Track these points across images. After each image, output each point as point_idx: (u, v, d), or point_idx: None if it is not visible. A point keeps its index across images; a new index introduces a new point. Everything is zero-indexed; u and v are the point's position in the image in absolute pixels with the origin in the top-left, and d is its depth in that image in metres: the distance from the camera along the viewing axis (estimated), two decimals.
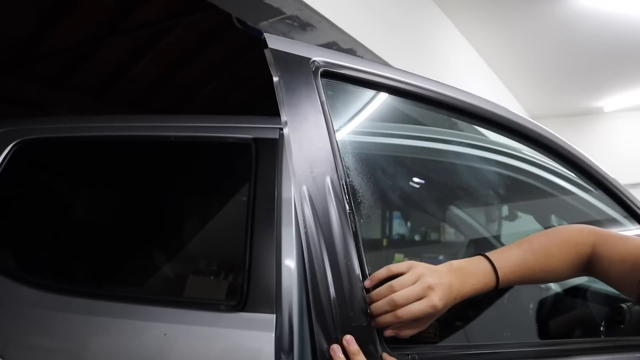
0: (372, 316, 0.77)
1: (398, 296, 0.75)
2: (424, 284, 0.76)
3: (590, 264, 0.91)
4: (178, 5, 4.16)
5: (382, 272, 0.80)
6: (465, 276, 0.81)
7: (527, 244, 0.89)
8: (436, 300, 0.75)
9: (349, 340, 0.73)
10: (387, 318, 0.75)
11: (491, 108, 1.12)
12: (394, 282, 0.77)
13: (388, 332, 0.77)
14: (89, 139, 1.37)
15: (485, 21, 4.79)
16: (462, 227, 2.42)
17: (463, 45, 5.11)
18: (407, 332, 0.78)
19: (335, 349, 0.72)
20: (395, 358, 0.76)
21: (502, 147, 1.53)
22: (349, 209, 0.79)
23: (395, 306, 0.75)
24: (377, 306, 0.76)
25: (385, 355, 0.75)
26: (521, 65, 5.90)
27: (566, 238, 0.91)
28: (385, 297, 0.76)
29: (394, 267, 0.80)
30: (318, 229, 0.74)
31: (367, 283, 0.79)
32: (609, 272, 0.89)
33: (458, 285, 0.79)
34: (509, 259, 0.85)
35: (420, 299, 0.75)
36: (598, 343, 1.15)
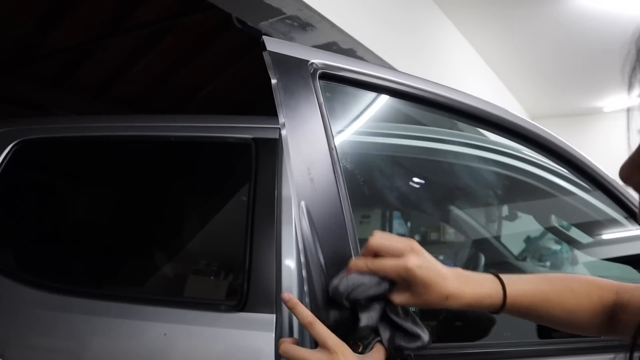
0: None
1: (374, 239, 0.70)
2: (407, 244, 0.69)
3: (614, 314, 0.78)
4: (178, 5, 4.16)
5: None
6: (467, 279, 0.72)
7: (543, 275, 0.80)
8: (412, 262, 0.67)
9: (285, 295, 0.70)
10: (358, 263, 0.70)
11: (490, 109, 1.12)
12: (377, 232, 0.71)
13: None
14: (89, 139, 1.37)
15: (485, 21, 4.79)
16: (462, 227, 2.42)
17: (463, 45, 5.11)
18: (392, 298, 0.70)
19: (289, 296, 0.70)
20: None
21: (502, 148, 1.53)
22: (347, 211, 0.79)
23: (368, 252, 0.70)
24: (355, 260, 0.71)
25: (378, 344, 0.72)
26: (521, 65, 5.90)
27: (587, 279, 0.81)
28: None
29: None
30: (313, 231, 0.74)
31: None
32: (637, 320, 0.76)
33: (456, 284, 0.70)
34: (520, 280, 0.76)
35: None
36: (598, 343, 1.15)
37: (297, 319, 0.69)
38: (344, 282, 0.69)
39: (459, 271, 0.72)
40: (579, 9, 4.40)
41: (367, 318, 0.70)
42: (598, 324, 0.79)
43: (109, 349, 1.04)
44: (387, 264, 0.68)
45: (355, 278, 0.69)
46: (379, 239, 0.70)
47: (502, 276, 0.75)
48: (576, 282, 0.80)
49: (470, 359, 1.02)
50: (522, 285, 0.75)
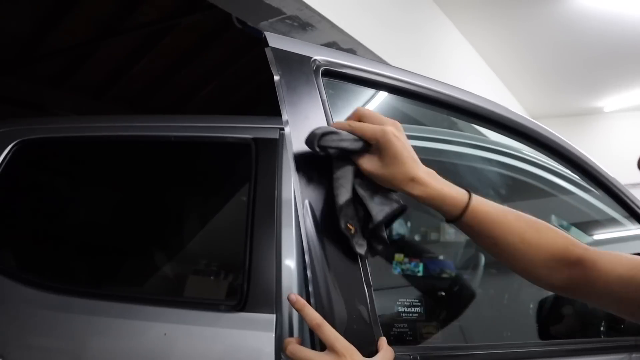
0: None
1: (361, 108, 0.75)
2: (391, 120, 0.73)
3: (581, 271, 0.75)
4: (178, 5, 4.16)
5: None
6: (437, 177, 0.73)
7: (515, 210, 0.79)
8: (391, 130, 0.70)
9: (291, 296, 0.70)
10: (341, 122, 0.74)
11: (491, 107, 1.12)
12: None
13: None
14: (89, 139, 1.37)
15: (485, 21, 4.79)
16: None
17: (463, 45, 5.11)
18: (360, 161, 0.73)
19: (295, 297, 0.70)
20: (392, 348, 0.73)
21: (502, 147, 1.53)
22: None
23: (353, 117, 0.75)
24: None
25: (382, 338, 0.73)
26: (521, 65, 5.90)
27: (559, 230, 0.79)
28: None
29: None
30: (318, 229, 0.74)
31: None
32: (607, 285, 0.73)
33: (424, 173, 0.71)
34: (488, 202, 0.76)
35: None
36: (598, 343, 1.15)
37: (305, 321, 0.68)
38: (322, 127, 0.73)
39: (431, 169, 0.74)
40: (579, 9, 4.40)
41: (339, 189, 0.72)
42: (556, 271, 0.76)
43: (109, 349, 1.03)
44: (366, 126, 0.72)
45: (333, 128, 0.74)
46: (366, 109, 0.75)
47: (472, 192, 0.75)
48: (546, 226, 0.78)
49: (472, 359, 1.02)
50: (488, 204, 0.75)
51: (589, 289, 0.76)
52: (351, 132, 0.72)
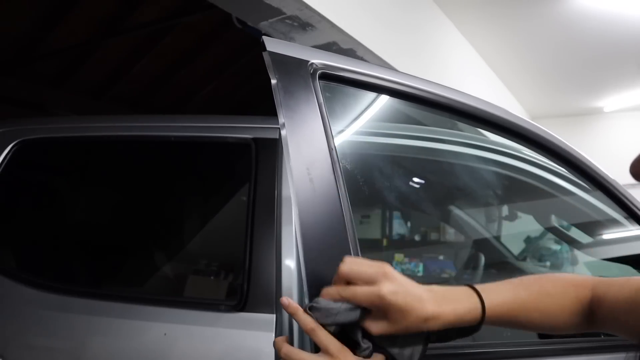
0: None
1: (344, 266, 0.67)
2: (379, 270, 0.66)
3: (592, 311, 0.78)
4: (177, 5, 4.16)
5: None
6: (444, 297, 0.69)
7: (518, 280, 0.79)
8: (386, 289, 0.64)
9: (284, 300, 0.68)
10: (330, 291, 0.67)
11: (490, 110, 1.12)
12: (347, 258, 0.69)
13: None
14: (89, 139, 1.37)
15: (485, 21, 4.79)
16: (462, 227, 2.42)
17: (463, 45, 5.11)
18: (367, 327, 0.67)
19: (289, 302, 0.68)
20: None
21: (502, 148, 1.53)
22: (347, 211, 0.79)
23: (340, 279, 0.67)
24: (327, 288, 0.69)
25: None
26: (521, 65, 5.90)
27: (562, 278, 0.81)
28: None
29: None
30: (314, 229, 0.74)
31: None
32: (615, 315, 0.75)
33: (433, 305, 0.67)
34: (497, 291, 0.74)
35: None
36: (598, 343, 1.15)
37: (299, 324, 0.68)
38: (314, 306, 0.68)
39: (434, 290, 0.70)
40: (579, 9, 4.40)
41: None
42: (577, 323, 0.78)
43: (109, 349, 1.04)
44: (359, 292, 0.65)
45: (324, 303, 0.67)
46: (349, 265, 0.67)
47: (478, 288, 0.73)
48: (551, 283, 0.79)
49: (471, 358, 1.02)
50: (499, 295, 0.74)
51: (600, 323, 0.79)
52: (344, 300, 0.66)
